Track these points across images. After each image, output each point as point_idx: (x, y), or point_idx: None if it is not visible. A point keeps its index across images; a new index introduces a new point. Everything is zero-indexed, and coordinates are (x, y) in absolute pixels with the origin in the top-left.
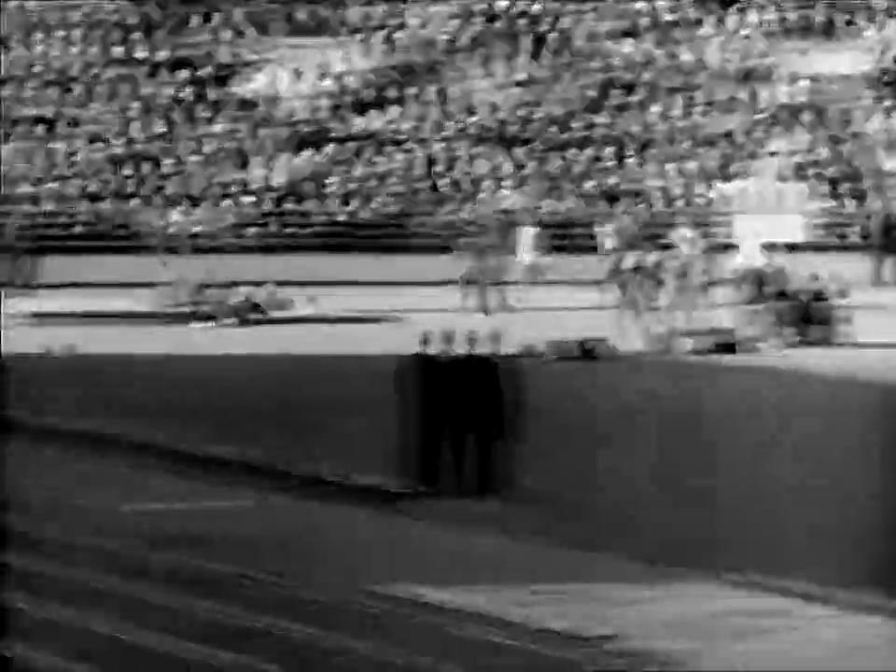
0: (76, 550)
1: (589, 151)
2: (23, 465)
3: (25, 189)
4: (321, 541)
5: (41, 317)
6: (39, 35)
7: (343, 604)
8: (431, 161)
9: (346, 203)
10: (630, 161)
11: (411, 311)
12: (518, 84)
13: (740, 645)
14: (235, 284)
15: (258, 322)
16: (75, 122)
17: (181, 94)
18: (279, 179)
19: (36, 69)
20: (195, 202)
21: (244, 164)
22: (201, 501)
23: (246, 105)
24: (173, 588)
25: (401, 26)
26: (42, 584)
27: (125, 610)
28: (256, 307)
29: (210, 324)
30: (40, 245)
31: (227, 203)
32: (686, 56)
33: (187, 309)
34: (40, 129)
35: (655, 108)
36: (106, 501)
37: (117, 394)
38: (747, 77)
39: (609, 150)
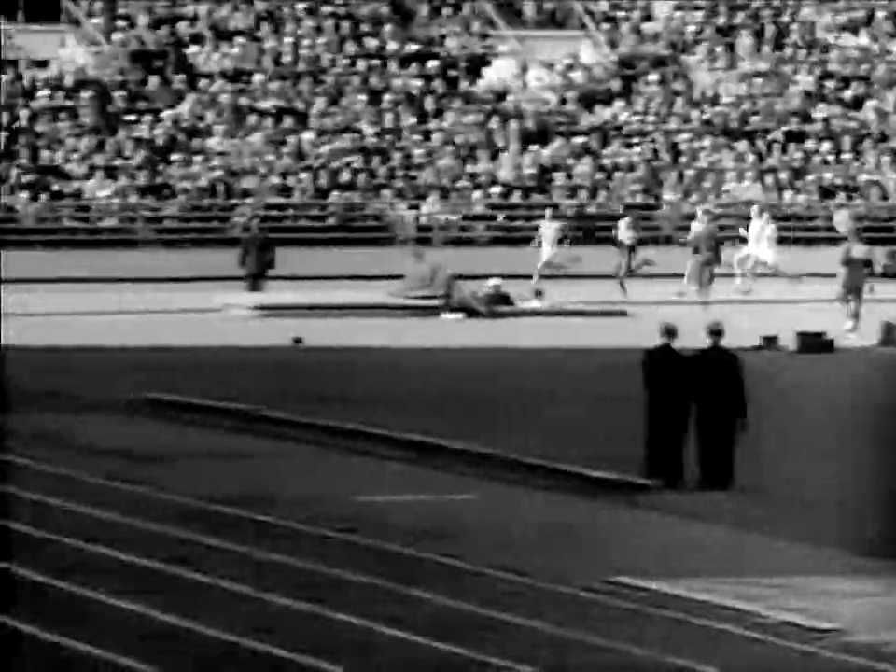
0: (315, 540)
1: (810, 144)
2: (261, 457)
3: (273, 180)
4: (560, 533)
5: (287, 309)
6: (289, 27)
7: (587, 597)
8: (677, 153)
9: (594, 196)
10: (847, 155)
11: (635, 304)
12: (759, 75)
13: None
14: (486, 276)
15: (505, 315)
16: (323, 114)
17: (430, 85)
18: (527, 170)
19: (285, 60)
20: (444, 193)
21: (493, 156)
22: (436, 493)
23: (490, 96)
24: (410, 581)
25: (648, 18)
26: (286, 577)
27: (363, 602)
28: (504, 299)
29: (460, 316)
30: (288, 237)
31: (476, 194)
32: None
33: (438, 301)
34: (289, 120)
35: (871, 103)
36: (342, 492)
37: (355, 385)
38: None
39: (828, 145)
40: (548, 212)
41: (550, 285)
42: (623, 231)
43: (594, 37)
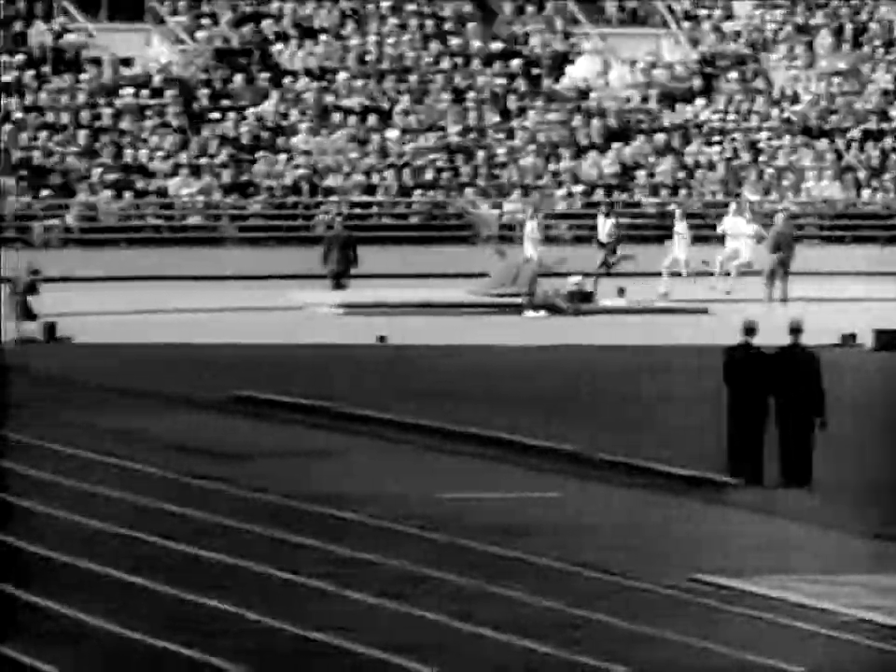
0: (399, 537)
1: (888, 143)
2: (344, 455)
3: (357, 178)
4: (643, 531)
5: (370, 308)
6: (374, 25)
7: (672, 595)
8: (757, 151)
9: (675, 193)
10: None
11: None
12: (837, 73)
13: None
14: (568, 274)
15: (588, 312)
16: (407, 112)
17: (513, 84)
18: (607, 169)
19: (370, 58)
20: (527, 191)
21: (577, 154)
22: (520, 490)
23: (573, 94)
24: (495, 579)
25: (729, 16)
26: (370, 574)
27: (447, 600)
28: (587, 297)
29: (542, 313)
30: (371, 235)
31: (558, 192)
32: None
33: (521, 299)
34: (373, 119)
35: None
36: (426, 489)
37: (439, 383)
38: None
39: None
40: (601, 209)
41: (631, 283)
42: (603, 228)
43: (675, 35)
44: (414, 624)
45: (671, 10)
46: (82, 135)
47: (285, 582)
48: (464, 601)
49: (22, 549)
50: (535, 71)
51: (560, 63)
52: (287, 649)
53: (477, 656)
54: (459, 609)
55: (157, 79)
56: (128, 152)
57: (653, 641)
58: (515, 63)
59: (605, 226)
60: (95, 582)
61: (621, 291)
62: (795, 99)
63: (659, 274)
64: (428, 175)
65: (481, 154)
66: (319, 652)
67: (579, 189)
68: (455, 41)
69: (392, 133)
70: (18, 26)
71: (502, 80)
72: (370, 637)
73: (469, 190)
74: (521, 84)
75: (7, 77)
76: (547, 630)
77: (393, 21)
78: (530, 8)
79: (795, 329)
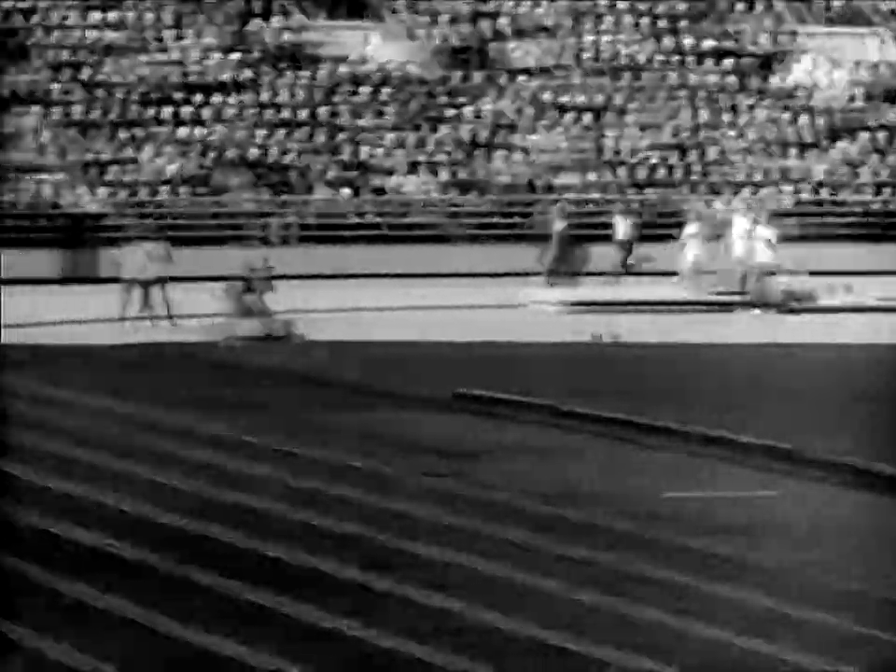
0: (619, 536)
1: None
2: (567, 453)
3: (585, 177)
4: (859, 531)
5: (592, 305)
6: (601, 23)
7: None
8: None
9: (878, 193)
10: None
11: None
12: None
13: None
14: (790, 272)
15: (807, 310)
16: (622, 111)
17: (724, 82)
18: (818, 168)
19: (597, 56)
20: (737, 190)
21: (801, 152)
22: (737, 489)
23: (785, 93)
24: (714, 578)
25: None
26: (592, 573)
27: (669, 598)
28: (806, 295)
29: (760, 311)
30: (594, 233)
31: (768, 191)
32: None
33: (739, 297)
34: (600, 116)
35: None
36: (646, 488)
37: (658, 381)
38: None
39: None
40: (618, 207)
41: (860, 281)
42: (620, 228)
43: (885, 35)
44: (636, 623)
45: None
46: (305, 133)
47: (509, 580)
48: (683, 599)
49: (279, 558)
50: (745, 70)
51: (770, 62)
52: (505, 647)
53: (706, 653)
54: (680, 608)
55: (382, 77)
56: (356, 150)
57: (880, 643)
58: (726, 62)
59: (622, 226)
60: (347, 587)
61: (848, 289)
62: None
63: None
64: (655, 174)
65: (706, 152)
66: (541, 652)
67: (793, 187)
68: (680, 39)
69: (619, 132)
70: (240, 24)
71: (714, 78)
72: (593, 636)
73: (694, 188)
74: (731, 82)
75: (237, 75)
76: (769, 628)
77: (619, 19)
78: (755, 7)
79: None
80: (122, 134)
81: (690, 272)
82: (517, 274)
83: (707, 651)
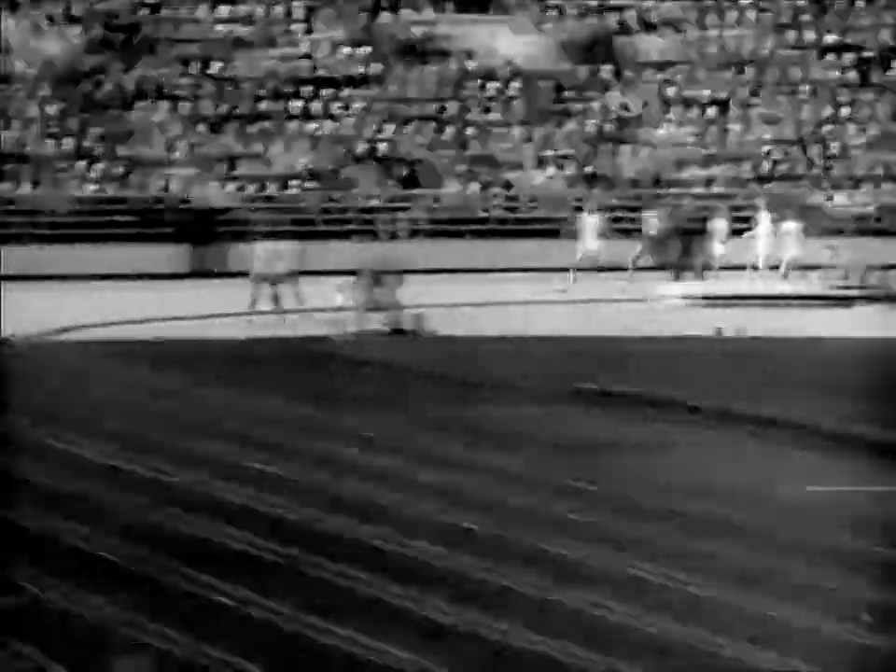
0: (746, 531)
1: None
2: (688, 448)
3: (699, 172)
4: None
5: (713, 300)
6: (713, 18)
7: None
8: None
9: None
10: None
11: None
12: None
13: None
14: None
15: None
16: (746, 105)
17: (846, 76)
18: None
19: (716, 50)
20: (858, 183)
21: None
22: (883, 485)
23: None
24: (852, 574)
25: None
26: (714, 566)
27: (803, 594)
28: None
29: (878, 305)
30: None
31: (890, 185)
32: None
33: (856, 291)
34: (712, 111)
35: None
36: (792, 483)
37: (777, 374)
38: None
39: None
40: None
41: None
42: (649, 224)
43: None
44: (753, 618)
45: None
46: (432, 127)
47: (623, 572)
48: (820, 595)
49: (392, 550)
50: (867, 63)
51: (892, 56)
52: (636, 638)
53: (842, 651)
54: (815, 604)
55: (505, 71)
56: (477, 144)
57: None
58: (848, 55)
59: (650, 221)
60: (462, 578)
61: None
62: None
63: None
64: (768, 168)
65: (817, 146)
66: (667, 647)
67: None
68: (796, 34)
69: (735, 126)
70: (369, 18)
71: (836, 73)
72: (716, 629)
73: (803, 182)
74: (853, 77)
75: (366, 69)
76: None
77: (742, 14)
78: (880, 1)
79: None
80: (251, 129)
81: (787, 267)
82: (644, 269)
83: (844, 647)
